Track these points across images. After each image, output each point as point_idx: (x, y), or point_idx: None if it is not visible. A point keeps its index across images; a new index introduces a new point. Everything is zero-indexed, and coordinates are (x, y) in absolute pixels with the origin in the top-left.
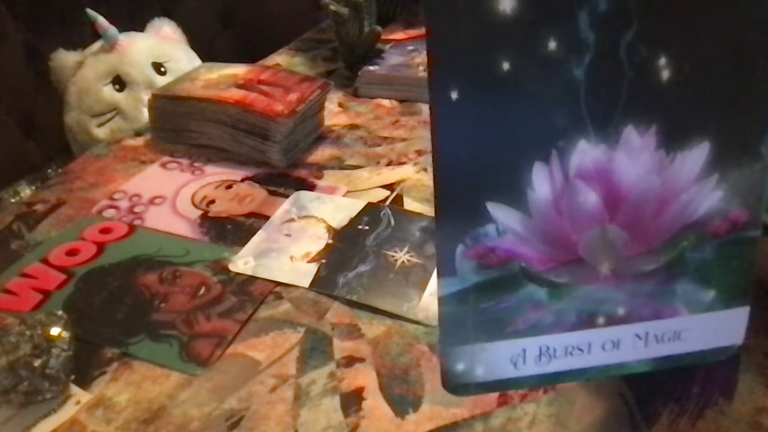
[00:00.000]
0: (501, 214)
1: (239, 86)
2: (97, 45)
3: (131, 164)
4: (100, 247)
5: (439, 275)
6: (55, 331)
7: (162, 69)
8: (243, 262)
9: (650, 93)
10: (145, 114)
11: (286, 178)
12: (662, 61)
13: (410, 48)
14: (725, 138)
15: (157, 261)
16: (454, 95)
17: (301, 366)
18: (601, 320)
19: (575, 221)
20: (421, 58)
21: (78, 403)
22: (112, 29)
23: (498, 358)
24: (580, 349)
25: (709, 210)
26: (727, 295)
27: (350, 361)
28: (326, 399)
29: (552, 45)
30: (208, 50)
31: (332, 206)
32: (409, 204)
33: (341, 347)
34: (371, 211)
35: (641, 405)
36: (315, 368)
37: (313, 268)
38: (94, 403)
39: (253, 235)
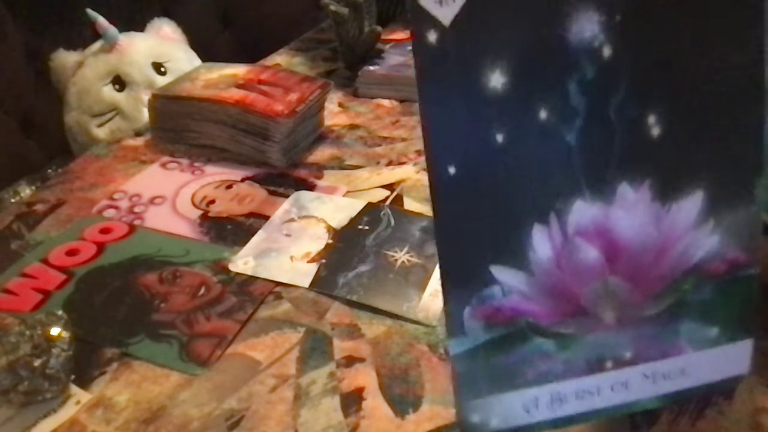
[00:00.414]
0: (505, 275)
1: (239, 86)
2: (97, 45)
3: (131, 164)
4: (100, 247)
5: (449, 336)
6: (55, 331)
7: (162, 69)
8: (243, 262)
9: (642, 150)
10: (145, 114)
11: (286, 178)
12: (651, 118)
13: (410, 48)
14: (718, 185)
15: (157, 261)
16: (452, 170)
17: (301, 366)
18: (609, 364)
19: (577, 276)
20: None
21: (78, 403)
22: (112, 29)
23: (511, 407)
24: (591, 392)
25: (707, 253)
26: (730, 330)
27: (350, 361)
28: (326, 399)
29: (543, 114)
30: (208, 50)
31: (332, 206)
32: (409, 204)
33: (341, 347)
34: (371, 211)
35: None
36: (315, 368)
37: (313, 268)
38: (94, 403)
39: (253, 235)
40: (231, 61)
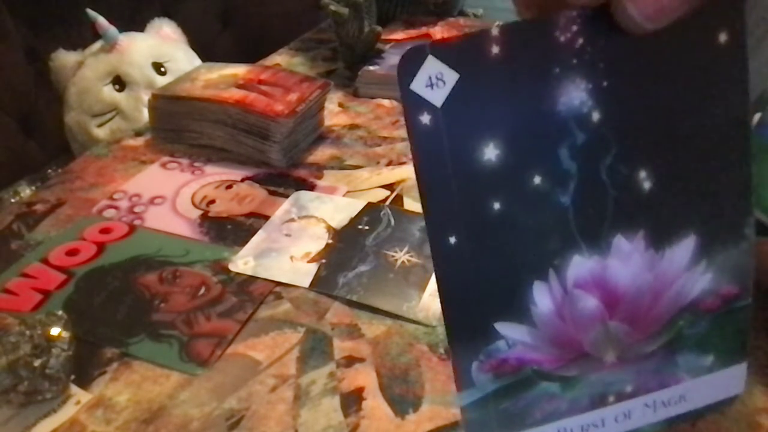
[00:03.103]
0: (509, 330)
1: (239, 86)
2: (97, 45)
3: (131, 164)
4: (100, 247)
5: (458, 389)
6: (55, 331)
7: (162, 69)
8: (243, 262)
9: (634, 204)
10: (145, 114)
11: (286, 178)
12: (642, 174)
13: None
14: (709, 228)
15: (157, 261)
16: (452, 240)
17: (301, 366)
18: (611, 399)
19: (578, 324)
20: None
21: (78, 403)
22: (112, 29)
23: None
24: (595, 425)
25: (701, 291)
26: (725, 358)
27: (350, 361)
28: (326, 399)
29: (537, 180)
30: (208, 50)
31: (332, 206)
32: (409, 204)
33: (341, 347)
34: (371, 211)
35: None
36: (315, 368)
37: (313, 268)
38: (94, 403)
39: (253, 235)
40: (231, 61)
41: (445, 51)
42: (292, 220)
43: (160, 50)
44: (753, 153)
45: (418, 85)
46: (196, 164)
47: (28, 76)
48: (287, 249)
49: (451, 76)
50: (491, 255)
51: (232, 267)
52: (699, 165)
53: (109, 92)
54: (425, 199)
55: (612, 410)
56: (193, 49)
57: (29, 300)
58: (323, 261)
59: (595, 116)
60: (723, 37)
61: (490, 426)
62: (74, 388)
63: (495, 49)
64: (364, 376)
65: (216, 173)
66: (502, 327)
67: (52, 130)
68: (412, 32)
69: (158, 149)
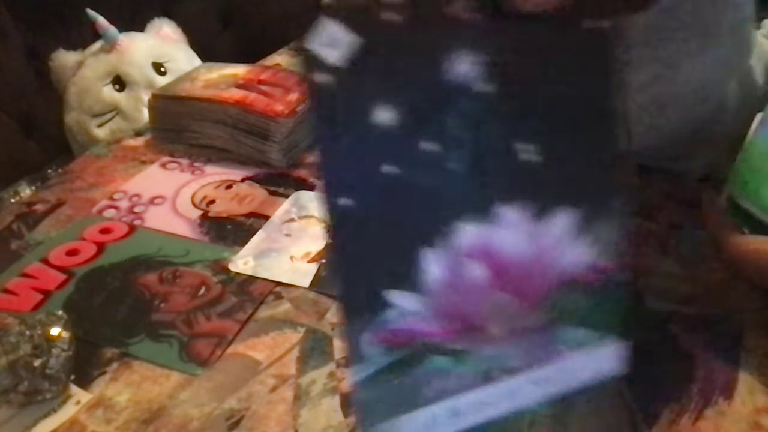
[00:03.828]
0: (399, 299)
1: (239, 86)
2: (97, 45)
3: (131, 164)
4: (100, 247)
5: (348, 364)
6: (55, 331)
7: (162, 69)
8: (243, 262)
9: (519, 176)
10: (145, 114)
11: (286, 178)
12: (528, 147)
13: None
14: (587, 203)
15: (157, 261)
16: (344, 201)
17: (301, 366)
18: (499, 375)
19: (467, 294)
20: None
21: (78, 403)
22: (112, 29)
23: (413, 426)
24: (485, 403)
25: (580, 264)
26: (604, 334)
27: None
28: (326, 399)
29: (428, 147)
30: (208, 50)
31: None
32: None
33: (341, 347)
34: None
35: (641, 405)
36: (315, 368)
37: (313, 268)
38: (94, 403)
39: (253, 235)
40: (231, 61)
41: (345, 14)
42: (292, 220)
43: (160, 50)
44: (753, 153)
45: (316, 45)
46: (196, 164)
47: (28, 76)
48: (287, 249)
49: (350, 39)
50: (382, 219)
51: (232, 267)
52: (576, 142)
53: (109, 92)
54: (319, 160)
55: (500, 387)
56: (193, 49)
57: (29, 300)
58: (323, 261)
59: (485, 89)
60: (588, 23)
61: (381, 408)
62: (74, 388)
63: (395, 17)
64: None
65: (216, 173)
66: (393, 295)
67: (52, 130)
68: None
69: (158, 149)
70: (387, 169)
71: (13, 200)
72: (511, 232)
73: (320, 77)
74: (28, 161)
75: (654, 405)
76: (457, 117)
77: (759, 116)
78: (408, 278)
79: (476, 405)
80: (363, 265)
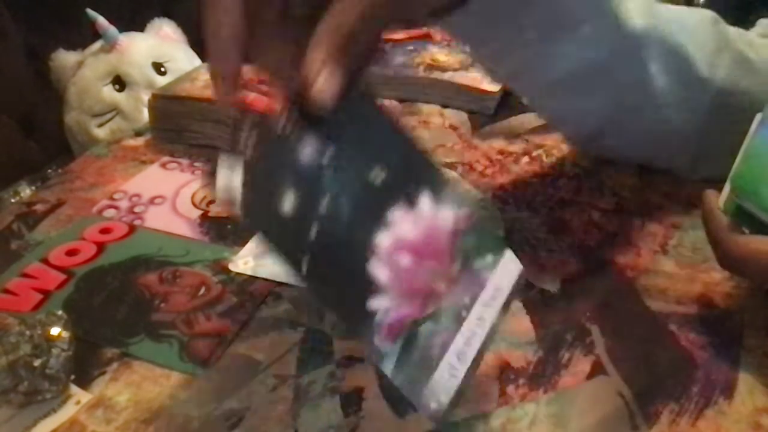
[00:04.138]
0: (377, 303)
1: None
2: (97, 45)
3: (131, 164)
4: (100, 247)
5: (376, 362)
6: (55, 331)
7: (162, 69)
8: (243, 262)
9: (382, 190)
10: (145, 114)
11: None
12: (377, 172)
13: (410, 48)
14: (430, 184)
15: (157, 261)
16: (304, 264)
17: (301, 366)
18: (465, 313)
19: (410, 276)
20: (421, 58)
21: (78, 403)
22: (112, 29)
23: (443, 380)
24: (470, 336)
25: (455, 217)
26: (497, 251)
27: (350, 361)
28: (326, 399)
29: (324, 199)
30: None
31: None
32: None
33: (341, 347)
34: None
35: (641, 405)
36: (315, 368)
37: None
38: (94, 403)
39: (253, 235)
40: None
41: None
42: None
43: (160, 50)
44: (753, 152)
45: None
46: (196, 164)
47: (28, 76)
48: None
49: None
50: (338, 253)
51: (232, 267)
52: (400, 154)
53: (109, 92)
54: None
55: (471, 320)
56: (193, 49)
57: (29, 300)
58: None
59: (329, 164)
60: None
61: (415, 378)
62: (74, 388)
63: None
64: (364, 376)
65: None
66: (371, 303)
67: (52, 130)
68: (413, 32)
69: (158, 149)
70: (315, 225)
71: (13, 200)
72: (404, 225)
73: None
74: (28, 161)
75: (654, 405)
76: (332, 174)
77: (759, 116)
78: (370, 285)
79: (467, 341)
80: (339, 287)
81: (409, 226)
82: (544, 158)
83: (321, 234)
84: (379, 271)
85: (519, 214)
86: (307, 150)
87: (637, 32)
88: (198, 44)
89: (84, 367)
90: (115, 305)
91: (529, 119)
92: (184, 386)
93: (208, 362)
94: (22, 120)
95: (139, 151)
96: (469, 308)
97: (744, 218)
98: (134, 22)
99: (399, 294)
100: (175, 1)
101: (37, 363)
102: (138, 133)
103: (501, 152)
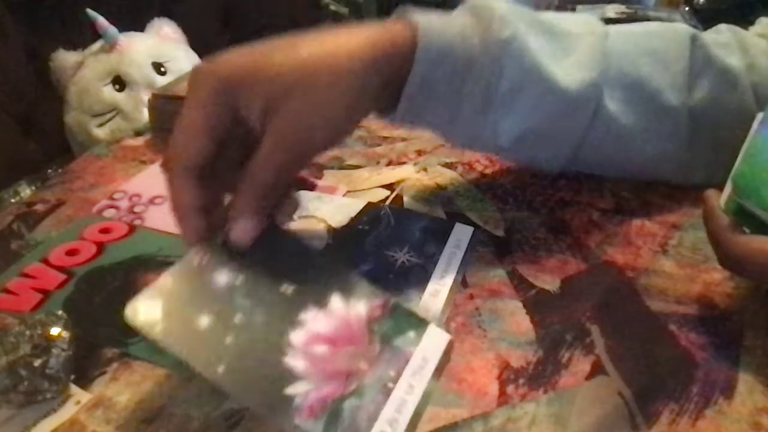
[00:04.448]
0: (293, 389)
1: None
2: (97, 45)
3: (131, 164)
4: (100, 247)
5: None
6: (55, 331)
7: (162, 69)
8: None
9: (292, 298)
10: (145, 114)
11: None
12: (286, 286)
13: None
14: (336, 286)
15: (157, 261)
16: (221, 368)
17: None
18: (390, 386)
19: (330, 362)
20: None
21: (78, 403)
22: (112, 29)
23: None
24: (400, 404)
25: (368, 306)
26: (418, 328)
27: None
28: None
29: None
30: (208, 50)
31: (332, 206)
32: (409, 204)
33: None
34: (371, 211)
35: (641, 405)
36: None
37: None
38: (94, 403)
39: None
40: None
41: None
42: (292, 220)
43: (160, 50)
44: (754, 152)
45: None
46: None
47: (28, 76)
48: None
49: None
50: (253, 356)
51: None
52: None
53: (109, 92)
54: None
55: (395, 396)
56: (193, 49)
57: (29, 300)
58: None
59: (240, 283)
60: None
61: None
62: (74, 388)
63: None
64: None
65: None
66: (290, 389)
67: (52, 130)
68: None
69: (158, 149)
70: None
71: (13, 200)
72: (317, 322)
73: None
74: (28, 161)
75: (654, 405)
76: (245, 292)
77: (760, 115)
78: (288, 375)
79: (397, 408)
80: (258, 386)
81: (322, 323)
82: None
83: (236, 342)
84: (295, 362)
85: (519, 214)
86: (222, 276)
87: (578, 90)
88: (198, 44)
89: (84, 367)
90: (115, 305)
91: None
92: (184, 386)
93: None
94: (22, 120)
95: (139, 151)
96: (395, 380)
97: (745, 218)
98: (134, 22)
99: (319, 378)
100: (175, 1)
101: (37, 363)
102: (138, 133)
103: None
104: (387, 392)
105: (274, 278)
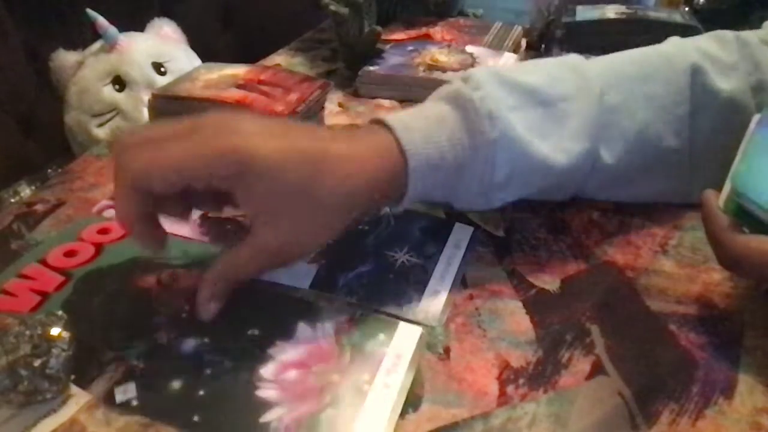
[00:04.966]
0: (270, 416)
1: (239, 86)
2: (97, 45)
3: None
4: (98, 248)
5: None
6: (55, 331)
7: (162, 69)
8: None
9: (260, 339)
10: (145, 114)
11: None
12: (251, 331)
13: (410, 48)
14: (301, 319)
15: (156, 263)
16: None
17: None
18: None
19: (300, 384)
20: (421, 58)
21: (78, 403)
22: (112, 29)
23: None
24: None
25: (333, 324)
26: (387, 332)
27: None
28: None
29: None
30: (208, 50)
31: None
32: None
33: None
34: None
35: (641, 405)
36: None
37: (313, 268)
38: (94, 403)
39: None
40: (231, 61)
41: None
42: None
43: (160, 50)
44: (753, 152)
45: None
46: None
47: (28, 76)
48: None
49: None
50: (226, 398)
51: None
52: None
53: (109, 92)
54: None
55: (371, 397)
56: (193, 49)
57: (27, 302)
58: (323, 261)
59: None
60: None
61: None
62: (74, 388)
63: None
64: None
65: None
66: (264, 416)
67: (52, 130)
68: (412, 32)
69: None
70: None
71: (13, 200)
72: (285, 353)
73: None
74: (28, 161)
75: (654, 405)
76: (212, 350)
77: (757, 116)
78: (262, 406)
79: (375, 407)
80: (234, 423)
81: (290, 352)
82: None
83: (208, 392)
84: (268, 393)
85: (519, 214)
86: (189, 343)
87: (571, 163)
88: (198, 44)
89: (84, 367)
90: (114, 307)
91: None
92: None
93: None
94: (22, 120)
95: None
96: (370, 381)
97: (744, 218)
98: (134, 22)
99: (291, 400)
100: (175, 1)
101: (37, 363)
102: None
103: None
104: (363, 395)
105: (239, 325)
